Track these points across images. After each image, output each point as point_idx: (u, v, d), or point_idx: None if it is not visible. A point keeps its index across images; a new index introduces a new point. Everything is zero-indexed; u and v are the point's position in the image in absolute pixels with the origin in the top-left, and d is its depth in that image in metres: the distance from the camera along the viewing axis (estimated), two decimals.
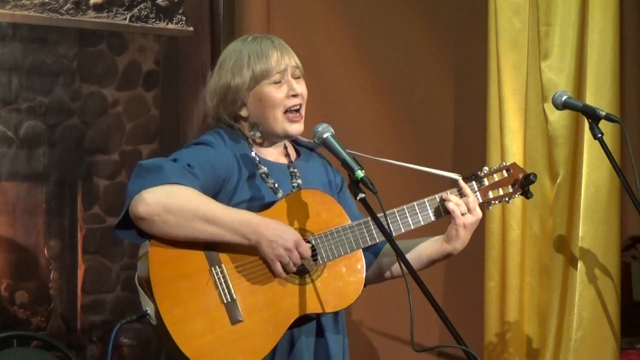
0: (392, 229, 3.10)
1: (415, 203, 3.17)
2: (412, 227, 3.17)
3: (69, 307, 4.52)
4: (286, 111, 3.12)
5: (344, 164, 2.93)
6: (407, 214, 3.15)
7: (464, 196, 3.19)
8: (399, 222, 3.14)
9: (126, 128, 4.68)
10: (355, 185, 2.89)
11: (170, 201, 2.94)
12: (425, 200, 3.18)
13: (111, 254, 4.61)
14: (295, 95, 3.12)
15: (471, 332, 4.64)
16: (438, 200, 3.18)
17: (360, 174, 2.88)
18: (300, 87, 3.14)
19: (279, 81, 3.11)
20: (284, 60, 3.12)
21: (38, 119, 4.45)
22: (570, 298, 4.55)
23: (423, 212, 3.17)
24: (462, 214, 3.16)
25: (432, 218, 3.18)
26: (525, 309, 4.67)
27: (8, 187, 4.40)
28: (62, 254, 4.51)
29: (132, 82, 4.69)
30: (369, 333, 4.83)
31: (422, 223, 3.18)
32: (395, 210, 3.14)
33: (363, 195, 2.89)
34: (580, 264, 4.54)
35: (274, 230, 2.97)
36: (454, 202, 3.16)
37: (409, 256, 3.20)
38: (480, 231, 4.60)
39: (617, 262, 4.61)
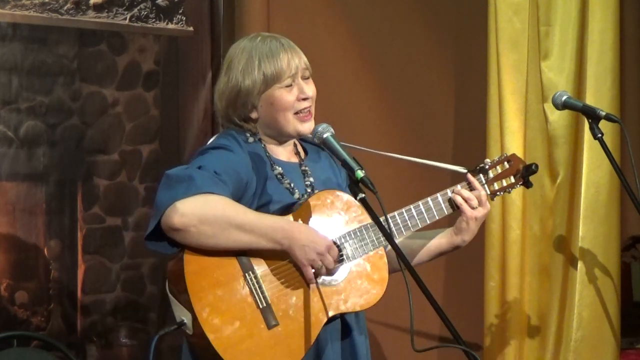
0: (410, 224, 3.17)
1: (429, 198, 3.22)
2: (428, 222, 3.21)
3: (69, 307, 4.52)
4: (296, 112, 3.13)
5: (344, 164, 2.94)
6: (423, 210, 3.19)
7: (473, 190, 3.24)
8: (416, 217, 3.18)
9: (126, 128, 4.68)
10: (355, 185, 2.90)
11: (206, 211, 2.92)
12: (438, 195, 3.23)
13: (111, 254, 4.61)
14: (305, 99, 3.13)
15: (471, 332, 4.64)
16: (450, 194, 3.23)
17: (360, 173, 2.89)
18: (310, 89, 3.15)
19: (290, 85, 3.11)
20: (294, 62, 3.11)
21: (38, 119, 4.45)
22: (570, 298, 4.55)
23: (437, 206, 3.21)
24: (473, 208, 3.21)
25: (446, 212, 3.24)
26: (525, 309, 4.67)
27: (8, 187, 4.40)
28: (62, 254, 4.51)
29: (132, 82, 4.69)
30: (369, 333, 4.82)
31: (437, 217, 3.23)
32: (411, 206, 3.19)
33: (363, 195, 2.89)
34: (580, 264, 4.54)
35: (306, 235, 2.98)
36: (464, 196, 3.21)
37: (418, 249, 3.27)
38: (480, 231, 4.59)
39: (617, 262, 4.61)
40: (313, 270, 3.00)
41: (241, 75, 3.11)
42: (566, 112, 4.33)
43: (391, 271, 3.29)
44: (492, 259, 4.66)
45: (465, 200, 3.21)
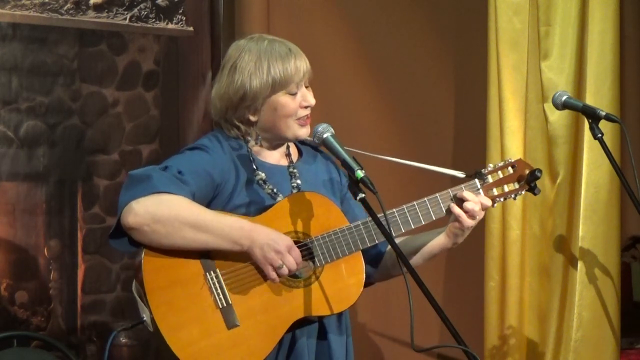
0: (401, 226, 3.12)
1: (426, 199, 3.16)
2: (423, 223, 3.15)
3: (69, 307, 4.52)
4: (297, 118, 3.13)
5: (344, 163, 2.93)
6: (418, 210, 3.14)
7: (470, 200, 3.16)
8: (409, 218, 3.13)
9: (126, 128, 4.68)
10: (355, 185, 2.89)
11: (158, 210, 2.93)
12: (437, 195, 3.17)
13: (111, 254, 4.61)
14: (307, 107, 3.13)
15: (471, 332, 4.64)
16: (451, 196, 3.17)
17: (360, 174, 2.89)
18: (312, 98, 3.15)
19: (294, 92, 3.11)
20: (302, 68, 3.11)
21: (38, 119, 4.45)
22: (570, 298, 4.55)
23: (435, 207, 3.15)
24: (473, 218, 3.15)
25: (445, 213, 3.17)
26: (525, 309, 4.67)
27: (8, 187, 4.40)
28: (62, 254, 4.51)
29: (132, 82, 4.69)
30: (369, 333, 4.83)
31: (434, 218, 3.17)
32: (404, 206, 3.14)
33: (363, 195, 2.89)
34: (580, 264, 4.54)
35: (266, 235, 2.98)
36: (467, 208, 3.14)
37: (411, 253, 3.22)
38: (480, 231, 4.62)
39: (617, 262, 4.61)
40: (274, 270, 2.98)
41: (248, 78, 3.09)
42: (566, 112, 4.33)
43: (389, 277, 3.29)
44: (492, 259, 4.66)
45: (466, 212, 3.14)
